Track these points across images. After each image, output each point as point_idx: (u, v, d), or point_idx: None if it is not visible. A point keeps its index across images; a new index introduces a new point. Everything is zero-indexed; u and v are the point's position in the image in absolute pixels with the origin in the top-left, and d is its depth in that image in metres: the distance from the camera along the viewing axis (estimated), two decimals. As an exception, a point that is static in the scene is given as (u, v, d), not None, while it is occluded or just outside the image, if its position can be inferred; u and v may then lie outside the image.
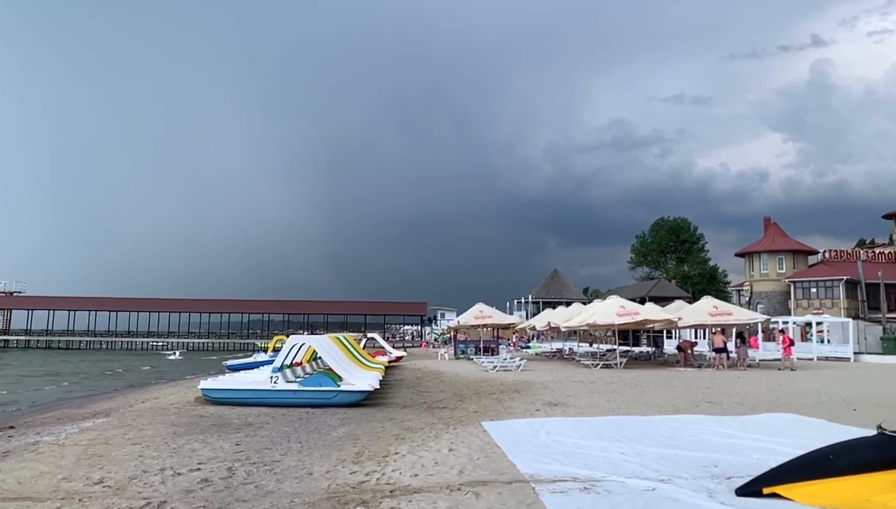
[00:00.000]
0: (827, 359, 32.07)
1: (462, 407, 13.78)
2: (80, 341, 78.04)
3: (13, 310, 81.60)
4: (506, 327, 39.11)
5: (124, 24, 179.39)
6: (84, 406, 17.07)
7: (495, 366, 24.57)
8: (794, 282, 53.52)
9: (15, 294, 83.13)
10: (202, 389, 15.18)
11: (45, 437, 10.62)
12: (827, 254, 55.18)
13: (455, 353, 35.55)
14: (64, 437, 10.50)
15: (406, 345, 63.09)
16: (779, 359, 26.73)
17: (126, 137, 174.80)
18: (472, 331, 36.79)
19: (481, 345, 34.25)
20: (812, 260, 56.45)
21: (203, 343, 77.85)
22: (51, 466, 8.02)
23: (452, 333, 41.07)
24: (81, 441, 10.00)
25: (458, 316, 42.06)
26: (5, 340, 77.43)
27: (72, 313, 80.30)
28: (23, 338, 78.40)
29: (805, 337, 36.81)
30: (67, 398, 21.86)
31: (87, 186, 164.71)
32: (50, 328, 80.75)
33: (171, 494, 6.57)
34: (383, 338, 44.86)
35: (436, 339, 68.60)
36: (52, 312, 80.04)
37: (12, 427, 12.62)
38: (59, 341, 77.90)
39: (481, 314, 33.67)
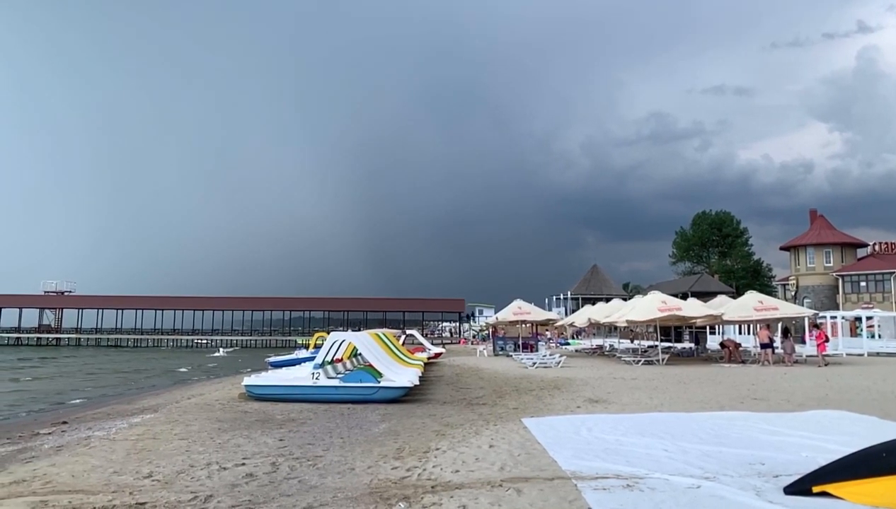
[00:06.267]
0: (878, 354, 31.13)
1: (502, 403, 13.75)
2: (128, 339, 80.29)
3: (64, 309, 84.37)
4: (544, 323, 38.88)
5: (180, 29, 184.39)
6: (133, 402, 17.54)
7: (535, 363, 24.46)
8: (843, 276, 52.06)
9: (66, 293, 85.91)
10: (246, 386, 15.45)
11: (97, 432, 10.94)
12: (877, 247, 53.55)
13: (494, 350, 35.50)
14: (114, 432, 10.80)
15: (445, 341, 63.26)
16: (826, 356, 26.06)
17: (176, 141, 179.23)
18: (510, 327, 36.69)
19: (520, 342, 34.12)
20: (861, 253, 54.81)
21: (246, 340, 79.34)
22: (102, 460, 8.26)
23: (491, 330, 41.02)
24: (131, 436, 10.28)
25: (496, 312, 41.99)
26: (57, 338, 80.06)
27: (120, 312, 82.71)
28: (73, 335, 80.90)
29: (855, 332, 35.82)
30: (127, 394, 22.59)
31: (137, 189, 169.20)
32: (99, 326, 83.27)
33: (218, 488, 6.70)
34: (422, 335, 44.99)
35: (474, 336, 68.65)
36: (100, 311, 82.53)
37: (65, 422, 13.05)
38: (107, 339, 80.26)
39: (520, 310, 33.54)
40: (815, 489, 5.90)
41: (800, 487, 6.01)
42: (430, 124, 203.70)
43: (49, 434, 11.36)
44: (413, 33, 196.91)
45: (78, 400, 20.76)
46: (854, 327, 36.95)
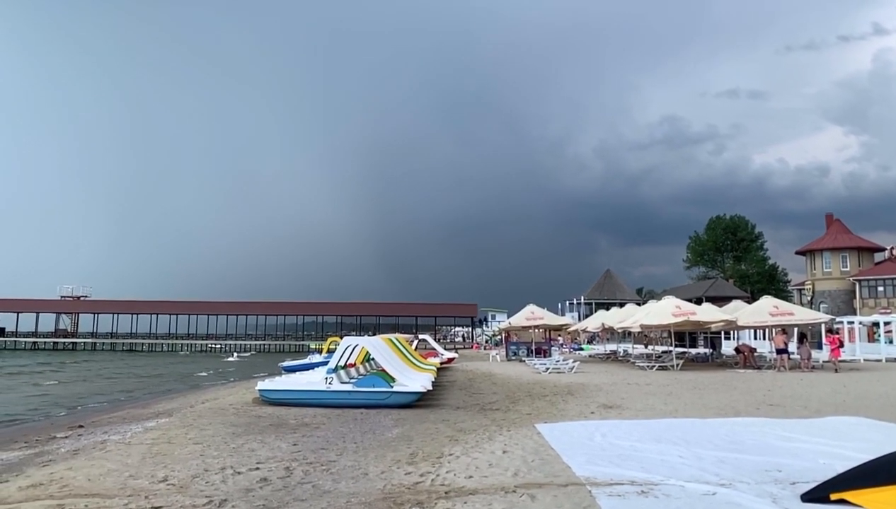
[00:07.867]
0: (896, 360, 30.71)
1: (515, 409, 13.72)
2: (143, 343, 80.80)
3: (80, 314, 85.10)
4: (557, 328, 38.76)
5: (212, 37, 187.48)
6: (147, 406, 17.66)
7: (548, 368, 24.36)
8: (860, 281, 51.52)
9: (82, 298, 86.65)
10: (260, 390, 15.51)
11: (112, 436, 11.03)
12: (894, 251, 52.97)
13: (507, 355, 35.43)
14: (129, 436, 10.88)
15: (457, 346, 63.17)
16: (843, 361, 25.77)
17: (193, 146, 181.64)
18: (523, 332, 36.59)
19: (533, 347, 34.03)
20: (878, 257, 54.24)
21: (260, 345, 79.64)
22: (118, 464, 8.32)
23: (504, 335, 40.94)
24: (146, 440, 10.35)
25: (508, 317, 41.90)
26: (73, 343, 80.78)
27: (135, 316, 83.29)
28: (90, 340, 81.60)
29: (872, 337, 35.37)
30: (143, 398, 22.80)
31: (154, 194, 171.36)
32: (114, 331, 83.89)
33: (232, 493, 6.73)
34: (435, 340, 45.00)
35: (487, 341, 68.49)
36: (116, 316, 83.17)
37: (81, 426, 13.17)
38: (122, 343, 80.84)
39: (532, 315, 33.47)
40: (833, 496, 5.83)
41: (817, 495, 5.94)
42: (444, 130, 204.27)
43: (66, 437, 11.47)
44: (427, 43, 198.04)
45: (98, 404, 20.92)
46: (871, 332, 36.45)
